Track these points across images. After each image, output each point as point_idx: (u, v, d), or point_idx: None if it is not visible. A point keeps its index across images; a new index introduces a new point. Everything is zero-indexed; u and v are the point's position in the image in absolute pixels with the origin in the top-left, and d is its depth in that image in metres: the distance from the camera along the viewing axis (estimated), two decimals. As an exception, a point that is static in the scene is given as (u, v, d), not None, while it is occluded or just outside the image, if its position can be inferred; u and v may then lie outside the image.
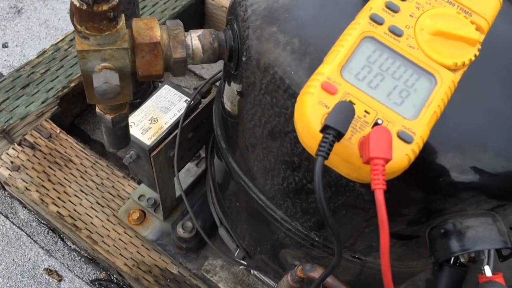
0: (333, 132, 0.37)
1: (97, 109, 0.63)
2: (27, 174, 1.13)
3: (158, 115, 0.88)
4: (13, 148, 1.15)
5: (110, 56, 0.51)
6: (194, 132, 0.93)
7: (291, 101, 0.52)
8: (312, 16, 0.53)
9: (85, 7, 0.46)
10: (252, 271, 0.95)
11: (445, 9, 0.45)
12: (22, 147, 1.15)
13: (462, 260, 0.54)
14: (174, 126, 0.88)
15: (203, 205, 1.07)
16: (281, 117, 0.55)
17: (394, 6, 0.44)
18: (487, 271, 0.50)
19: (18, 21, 1.63)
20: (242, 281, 1.05)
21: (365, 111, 0.40)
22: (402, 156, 0.39)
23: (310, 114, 0.40)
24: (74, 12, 0.48)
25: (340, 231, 0.41)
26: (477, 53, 0.44)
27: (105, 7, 0.47)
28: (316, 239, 0.69)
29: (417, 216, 0.55)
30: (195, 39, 0.56)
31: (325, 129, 0.37)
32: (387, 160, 0.37)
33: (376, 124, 0.40)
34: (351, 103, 0.38)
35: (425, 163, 0.49)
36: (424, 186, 0.51)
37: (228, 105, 0.73)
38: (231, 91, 0.70)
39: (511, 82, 0.51)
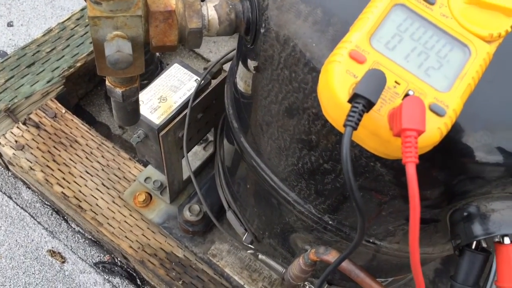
0: (362, 101, 0.35)
1: (107, 82, 0.60)
2: (31, 153, 1.11)
3: (167, 94, 0.86)
4: (17, 127, 1.13)
5: (123, 24, 0.49)
6: (204, 113, 0.91)
7: (311, 75, 0.50)
8: (336, -15, 0.50)
9: (99, -32, 0.44)
10: (260, 256, 0.93)
11: (479, -23, 0.42)
12: (27, 126, 1.13)
13: (484, 245, 0.51)
14: (184, 106, 0.86)
15: (210, 190, 1.05)
16: (299, 92, 0.53)
17: (426, -27, 0.42)
18: (506, 240, 0.48)
19: (23, 0, 1.60)
20: (248, 266, 1.03)
21: (395, 81, 0.38)
22: (434, 129, 0.37)
23: (337, 84, 0.37)
24: (87, -25, 0.46)
25: (364, 209, 0.39)
26: (513, 25, 0.42)
27: (119, -30, 0.44)
28: (330, 222, 0.67)
29: (440, 198, 0.53)
30: (211, 9, 0.54)
31: (354, 98, 0.35)
32: (420, 132, 0.35)
33: (407, 95, 0.38)
34: (382, 72, 0.36)
35: (451, 142, 0.46)
36: (450, 166, 0.48)
37: (241, 86, 0.71)
38: (245, 71, 0.67)
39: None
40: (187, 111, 0.84)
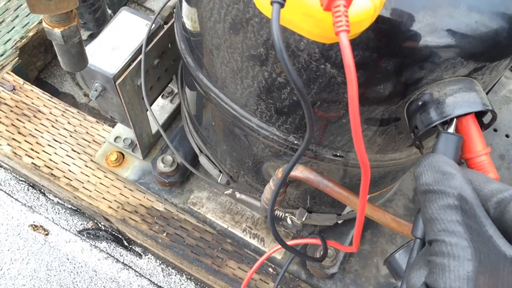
0: (287, -24, 0.34)
1: (44, 24, 0.58)
2: (-5, 129, 1.08)
3: (119, 42, 0.83)
4: (-24, 104, 1.10)
5: None
6: (160, 59, 0.89)
7: (247, -20, 0.48)
8: None
9: None
10: (237, 195, 0.93)
11: None
12: (-14, 102, 1.10)
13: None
14: (138, 52, 0.83)
15: (182, 140, 1.04)
16: (239, 2, 0.51)
17: None
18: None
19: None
20: (230, 210, 1.04)
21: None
22: (366, 1, 0.36)
23: (261, -33, 0.36)
24: None
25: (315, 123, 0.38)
26: None
27: None
28: (295, 142, 0.66)
29: (394, 92, 0.52)
30: None
31: (278, -26, 0.34)
32: (348, 0, 0.34)
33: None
34: None
35: (395, 26, 0.46)
36: (396, 53, 0.48)
37: (188, 24, 0.69)
38: (188, 7, 0.66)
39: None
40: (141, 56, 0.82)
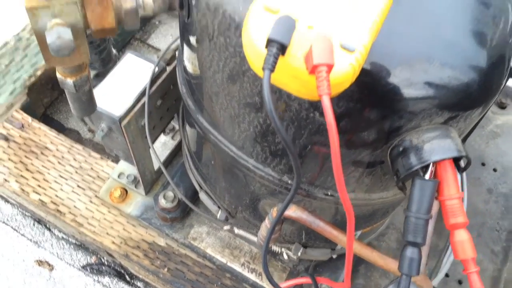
0: (276, 45, 0.39)
1: (58, 74, 0.63)
2: (4, 166, 1.12)
3: (124, 84, 0.88)
4: (-14, 142, 1.15)
5: (60, 12, 0.52)
6: (163, 100, 0.94)
7: (243, 38, 0.54)
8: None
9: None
10: (236, 231, 0.97)
11: None
12: (-4, 140, 1.15)
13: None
14: (142, 94, 0.89)
15: (183, 176, 1.08)
16: (236, 56, 0.57)
17: None
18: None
19: (-22, 20, 1.61)
20: (229, 244, 1.07)
21: (308, 26, 0.42)
22: (346, 64, 0.41)
23: (254, 35, 0.41)
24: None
25: (301, 166, 0.42)
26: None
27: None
28: (289, 182, 0.71)
29: (377, 138, 0.57)
30: (144, -11, 0.57)
31: (268, 43, 0.39)
32: (329, 66, 0.39)
33: (320, 37, 0.41)
34: (289, 16, 0.40)
35: (375, 80, 0.51)
36: (377, 104, 0.53)
37: (189, 67, 0.75)
38: (190, 52, 0.71)
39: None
40: (145, 98, 0.87)
